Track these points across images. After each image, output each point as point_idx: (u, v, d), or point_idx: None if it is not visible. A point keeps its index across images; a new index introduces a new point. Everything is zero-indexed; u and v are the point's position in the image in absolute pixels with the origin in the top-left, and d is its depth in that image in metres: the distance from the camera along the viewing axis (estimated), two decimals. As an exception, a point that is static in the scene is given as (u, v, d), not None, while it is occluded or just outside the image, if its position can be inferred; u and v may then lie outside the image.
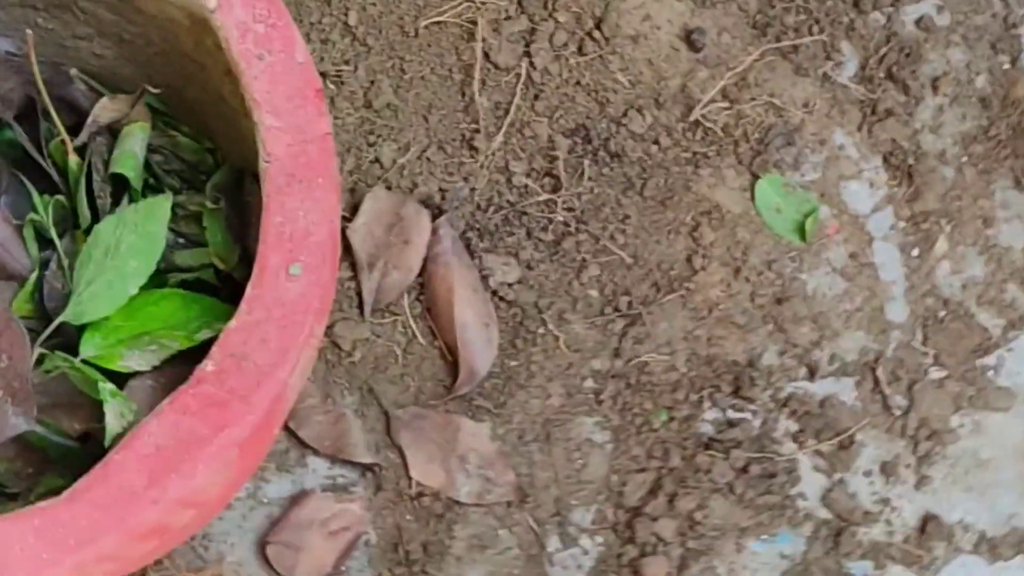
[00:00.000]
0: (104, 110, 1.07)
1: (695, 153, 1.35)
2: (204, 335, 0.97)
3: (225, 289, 1.03)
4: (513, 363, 1.28)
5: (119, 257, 0.96)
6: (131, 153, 1.04)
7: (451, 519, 1.23)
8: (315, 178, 0.91)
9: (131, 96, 1.07)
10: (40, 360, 0.97)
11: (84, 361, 0.96)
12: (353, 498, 1.23)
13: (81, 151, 1.06)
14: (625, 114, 1.35)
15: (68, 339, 0.99)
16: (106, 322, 0.96)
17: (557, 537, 1.24)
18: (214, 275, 1.02)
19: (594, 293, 1.31)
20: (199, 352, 0.91)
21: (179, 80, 1.07)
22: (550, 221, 1.32)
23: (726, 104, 1.36)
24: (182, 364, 0.97)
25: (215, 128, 1.08)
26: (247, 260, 1.03)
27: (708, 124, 1.35)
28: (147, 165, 1.08)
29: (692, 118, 1.35)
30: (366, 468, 1.24)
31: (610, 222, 1.33)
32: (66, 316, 0.96)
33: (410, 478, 1.24)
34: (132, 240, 0.97)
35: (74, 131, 1.07)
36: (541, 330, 1.29)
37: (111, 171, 1.04)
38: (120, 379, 0.96)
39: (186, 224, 1.06)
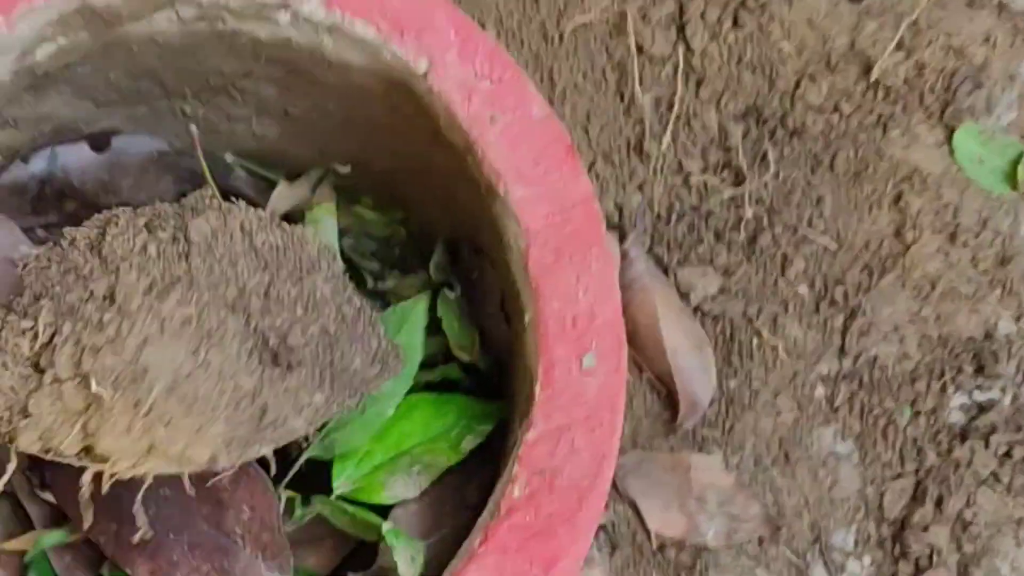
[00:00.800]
0: (282, 199, 0.94)
1: (880, 115, 1.21)
2: (469, 443, 0.84)
3: (471, 382, 0.89)
4: (733, 383, 1.15)
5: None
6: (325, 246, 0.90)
7: (702, 568, 1.11)
8: (587, 249, 0.77)
9: (310, 177, 0.93)
10: (287, 504, 0.84)
11: (341, 497, 0.83)
12: (591, 565, 1.10)
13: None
14: (798, 85, 1.21)
15: (307, 473, 0.85)
16: (356, 448, 0.83)
17: (821, 566, 1.12)
18: (458, 369, 0.88)
19: (804, 289, 1.18)
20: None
21: (363, 152, 0.93)
22: (739, 219, 1.18)
23: (902, 55, 1.22)
24: (440, 480, 0.84)
25: (412, 197, 0.94)
26: (484, 346, 0.90)
27: (888, 81, 1.22)
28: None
29: (872, 77, 1.21)
30: (597, 528, 1.11)
31: (804, 208, 1.19)
32: (314, 451, 0.82)
33: (648, 531, 1.11)
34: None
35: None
36: (756, 341, 1.16)
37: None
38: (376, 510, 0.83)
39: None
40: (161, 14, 0.85)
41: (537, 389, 0.76)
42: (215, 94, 0.93)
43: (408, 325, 0.84)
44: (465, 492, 0.84)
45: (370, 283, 0.94)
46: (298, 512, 0.84)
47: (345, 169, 0.92)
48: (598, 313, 0.77)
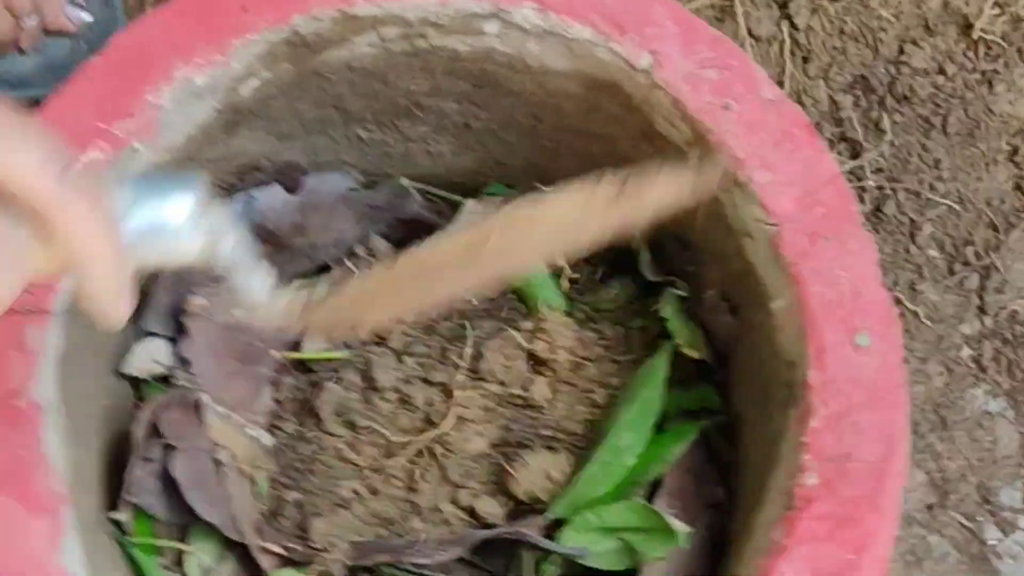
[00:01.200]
0: (473, 215, 0.92)
1: (984, 72, 1.23)
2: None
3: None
4: (881, 352, 1.15)
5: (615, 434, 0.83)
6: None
7: (878, 537, 1.11)
8: (843, 227, 0.77)
9: (499, 199, 0.92)
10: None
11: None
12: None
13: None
14: (901, 51, 1.22)
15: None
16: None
17: (993, 526, 1.13)
18: (713, 393, 0.88)
19: (935, 253, 1.18)
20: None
21: (547, 159, 0.92)
22: (863, 190, 1.19)
23: (997, 10, 1.24)
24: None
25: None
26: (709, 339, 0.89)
27: (988, 37, 1.23)
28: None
29: (974, 36, 1.22)
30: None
31: (924, 172, 1.20)
32: (557, 510, 0.83)
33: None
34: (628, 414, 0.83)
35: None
36: (898, 310, 1.16)
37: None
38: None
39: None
40: (362, 38, 0.83)
41: (811, 374, 0.76)
42: (396, 116, 0.92)
43: (651, 381, 0.84)
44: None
45: (576, 304, 0.93)
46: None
47: (545, 189, 0.91)
48: (863, 291, 0.77)
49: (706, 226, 0.86)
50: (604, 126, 0.87)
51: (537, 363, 0.90)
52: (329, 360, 0.91)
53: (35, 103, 1.10)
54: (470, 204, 0.93)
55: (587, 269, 0.95)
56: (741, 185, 0.80)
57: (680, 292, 0.88)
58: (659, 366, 0.85)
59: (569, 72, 0.84)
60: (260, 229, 0.90)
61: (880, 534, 0.73)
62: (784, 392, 0.79)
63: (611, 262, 0.95)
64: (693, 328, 0.88)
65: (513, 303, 0.93)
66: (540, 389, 0.89)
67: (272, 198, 0.90)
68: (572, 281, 0.94)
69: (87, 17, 1.12)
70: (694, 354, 0.87)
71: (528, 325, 0.90)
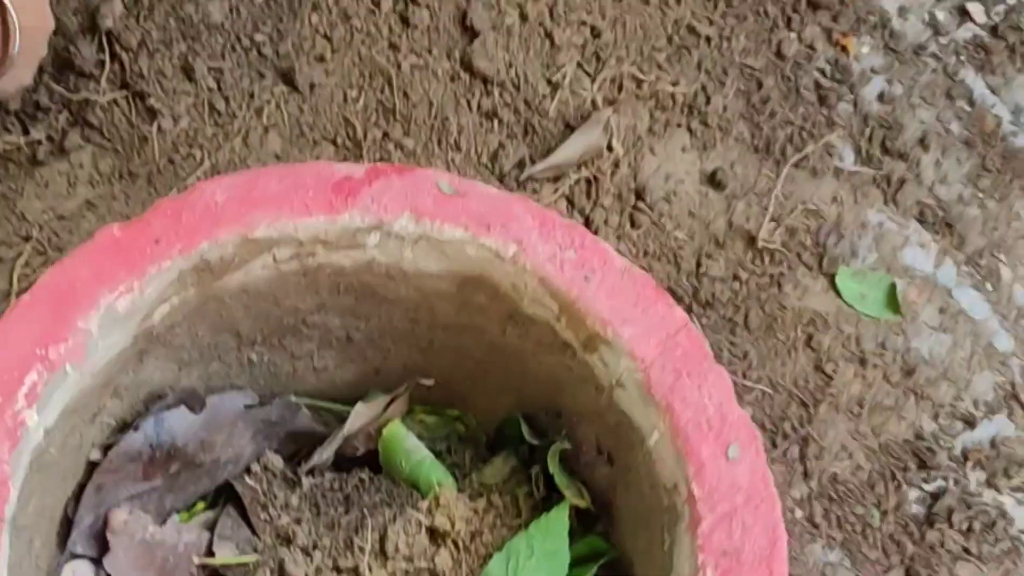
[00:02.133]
0: (359, 417, 1.03)
1: (771, 275, 1.40)
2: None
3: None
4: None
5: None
6: (418, 458, 1.01)
7: None
8: (701, 363, 0.91)
9: (385, 397, 1.04)
10: None
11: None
12: None
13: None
14: (699, 264, 1.39)
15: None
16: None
17: (851, 664, 1.24)
18: (602, 540, 0.99)
19: (758, 431, 1.33)
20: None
21: (422, 359, 1.04)
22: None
23: (773, 224, 1.43)
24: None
25: (468, 391, 1.05)
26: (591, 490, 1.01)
27: (770, 246, 1.41)
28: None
29: (758, 246, 1.40)
30: None
31: (736, 363, 1.36)
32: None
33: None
34: (532, 565, 0.93)
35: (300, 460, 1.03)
36: (735, 484, 1.30)
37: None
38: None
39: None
40: (258, 260, 0.95)
41: (694, 488, 0.88)
42: (284, 335, 1.03)
43: (553, 533, 0.95)
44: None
45: (465, 481, 1.03)
46: None
47: (429, 382, 1.03)
48: (726, 412, 0.90)
49: (576, 392, 0.98)
50: (473, 317, 1.00)
51: (437, 536, 0.99)
52: (243, 564, 0.99)
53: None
54: (358, 407, 1.03)
55: (469, 449, 1.05)
56: (608, 342, 0.93)
57: (564, 446, 0.99)
58: (560, 519, 0.95)
59: (442, 272, 0.97)
60: (171, 448, 0.98)
61: (777, 609, 0.84)
62: (669, 515, 0.91)
63: (489, 441, 1.06)
64: (576, 481, 0.99)
65: (407, 490, 1.03)
66: (443, 559, 0.98)
67: (179, 418, 0.99)
68: (455, 465, 1.04)
69: None
70: (582, 504, 0.98)
71: (424, 505, 1.00)
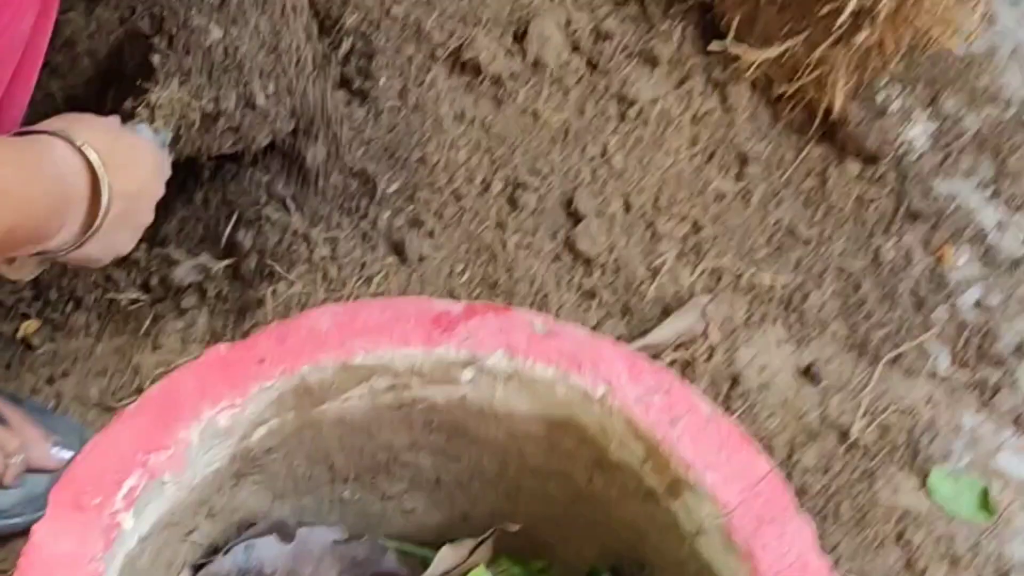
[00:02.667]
0: (444, 561, 1.04)
1: (864, 470, 1.41)
2: None
3: None
4: None
5: None
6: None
7: None
8: (782, 512, 0.91)
9: (471, 542, 1.05)
10: None
11: None
12: None
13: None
14: (791, 453, 1.40)
15: None
16: None
17: None
18: None
19: (848, 622, 1.32)
20: None
21: (508, 504, 1.06)
22: None
23: (867, 420, 1.44)
24: None
25: (554, 539, 1.07)
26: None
27: (863, 441, 1.42)
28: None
29: (851, 440, 1.41)
30: None
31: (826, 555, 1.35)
32: None
33: None
34: None
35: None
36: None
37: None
38: None
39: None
40: (356, 390, 0.98)
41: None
42: (376, 473, 1.05)
43: None
44: None
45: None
46: None
47: (515, 527, 1.04)
48: (807, 561, 0.91)
49: (659, 541, 0.99)
50: (561, 462, 1.02)
51: None
52: None
53: (17, 533, 1.21)
54: (444, 550, 1.04)
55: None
56: (692, 487, 0.94)
57: (649, 602, 0.99)
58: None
59: (532, 414, 1.00)
60: (259, 575, 1.00)
61: None
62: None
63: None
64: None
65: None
66: None
67: (269, 547, 1.01)
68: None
69: (67, 455, 1.25)
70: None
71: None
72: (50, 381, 1.36)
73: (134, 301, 1.36)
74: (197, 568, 1.00)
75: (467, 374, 0.98)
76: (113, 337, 1.38)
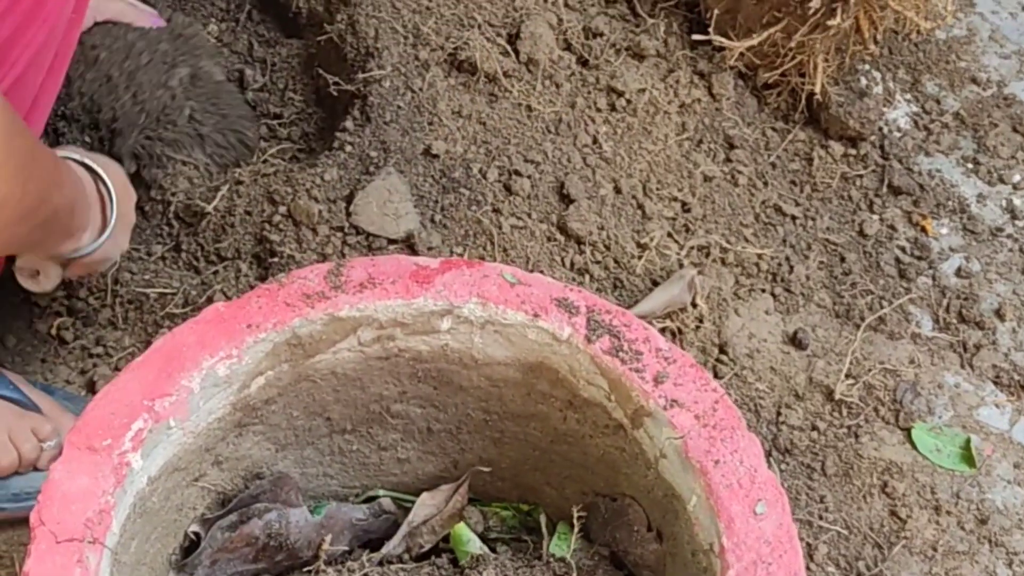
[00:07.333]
0: (423, 507, 1.13)
1: (848, 427, 1.48)
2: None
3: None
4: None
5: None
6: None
7: None
8: (733, 431, 1.00)
9: (449, 487, 1.14)
10: None
11: None
12: None
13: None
14: (779, 413, 1.48)
15: None
16: None
17: None
18: None
19: (833, 569, 1.39)
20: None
21: (495, 451, 1.15)
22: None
23: (851, 380, 1.51)
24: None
25: (536, 482, 1.15)
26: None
27: (848, 400, 1.49)
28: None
29: (836, 399, 1.49)
30: None
31: (812, 506, 1.43)
32: None
33: None
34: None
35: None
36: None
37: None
38: None
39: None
40: (344, 342, 1.08)
41: (724, 541, 0.96)
42: (371, 424, 1.14)
43: None
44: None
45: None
46: None
47: (486, 469, 1.13)
48: (757, 473, 0.99)
49: (630, 471, 1.08)
50: (537, 405, 1.10)
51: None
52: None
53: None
54: (423, 497, 1.14)
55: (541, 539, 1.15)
56: (651, 414, 1.03)
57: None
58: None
59: (508, 359, 1.08)
60: (284, 541, 1.09)
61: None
62: (707, 573, 0.99)
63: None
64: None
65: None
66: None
67: (299, 517, 1.10)
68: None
69: None
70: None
71: None
72: (82, 372, 1.46)
73: (161, 295, 1.46)
74: (206, 523, 1.09)
75: (445, 323, 1.07)
76: (139, 329, 1.48)
